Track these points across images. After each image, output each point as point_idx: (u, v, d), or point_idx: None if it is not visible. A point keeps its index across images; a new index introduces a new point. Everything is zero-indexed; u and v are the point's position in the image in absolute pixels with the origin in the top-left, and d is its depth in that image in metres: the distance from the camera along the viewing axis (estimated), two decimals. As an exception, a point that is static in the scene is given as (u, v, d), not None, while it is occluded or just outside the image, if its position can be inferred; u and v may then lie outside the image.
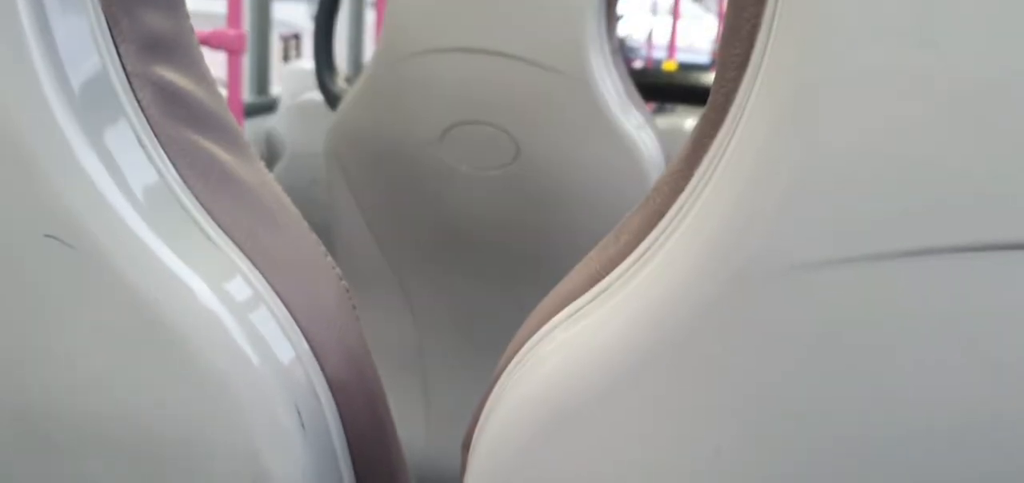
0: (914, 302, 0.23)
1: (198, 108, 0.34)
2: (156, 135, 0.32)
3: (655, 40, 3.98)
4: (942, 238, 0.22)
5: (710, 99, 0.27)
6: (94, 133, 0.30)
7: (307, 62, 1.97)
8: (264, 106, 1.86)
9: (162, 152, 0.32)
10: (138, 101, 0.32)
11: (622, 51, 0.83)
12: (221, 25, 1.40)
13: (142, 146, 0.32)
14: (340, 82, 1.27)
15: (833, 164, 0.22)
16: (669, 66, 2.53)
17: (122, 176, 0.30)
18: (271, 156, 1.72)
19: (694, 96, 1.23)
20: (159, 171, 0.32)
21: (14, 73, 0.28)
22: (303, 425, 0.32)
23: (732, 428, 0.25)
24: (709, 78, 1.23)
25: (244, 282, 0.32)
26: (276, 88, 2.00)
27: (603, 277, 0.29)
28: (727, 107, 0.25)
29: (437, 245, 0.88)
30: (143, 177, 0.31)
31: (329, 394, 0.34)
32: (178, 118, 0.33)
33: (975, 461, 0.24)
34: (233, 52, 1.39)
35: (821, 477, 0.25)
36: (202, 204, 0.33)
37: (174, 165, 0.32)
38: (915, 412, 0.24)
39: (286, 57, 2.50)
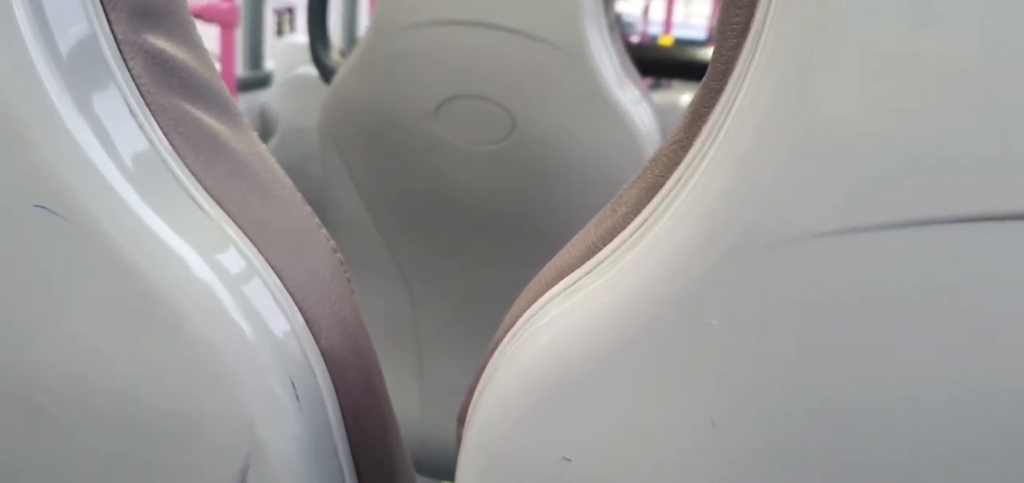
0: (912, 273, 0.23)
1: (190, 77, 0.33)
2: (147, 104, 0.32)
3: (651, 16, 3.97)
4: (940, 209, 0.22)
5: (710, 68, 0.26)
6: (83, 101, 0.29)
7: (301, 36, 1.95)
8: (257, 81, 1.85)
9: (153, 121, 0.32)
10: (129, 69, 0.31)
11: (618, 26, 0.82)
12: (214, -2, 1.39)
13: (133, 115, 0.31)
14: (334, 56, 1.26)
15: (832, 135, 0.22)
16: (665, 42, 2.51)
17: (112, 145, 0.30)
18: (265, 131, 1.71)
19: (690, 71, 1.22)
20: (150, 141, 0.31)
21: None
22: (298, 398, 0.32)
23: (729, 401, 0.25)
24: (705, 53, 1.23)
25: (237, 254, 0.32)
26: (270, 63, 1.98)
27: (600, 249, 0.29)
28: (727, 76, 0.25)
29: (432, 219, 0.88)
30: (134, 146, 0.31)
31: (324, 367, 0.34)
32: (170, 87, 0.33)
33: (971, 431, 0.24)
34: (226, 26, 1.38)
35: (818, 449, 0.25)
36: (194, 174, 0.32)
37: (166, 135, 0.32)
38: (912, 383, 0.24)
39: (280, 31, 2.48)
